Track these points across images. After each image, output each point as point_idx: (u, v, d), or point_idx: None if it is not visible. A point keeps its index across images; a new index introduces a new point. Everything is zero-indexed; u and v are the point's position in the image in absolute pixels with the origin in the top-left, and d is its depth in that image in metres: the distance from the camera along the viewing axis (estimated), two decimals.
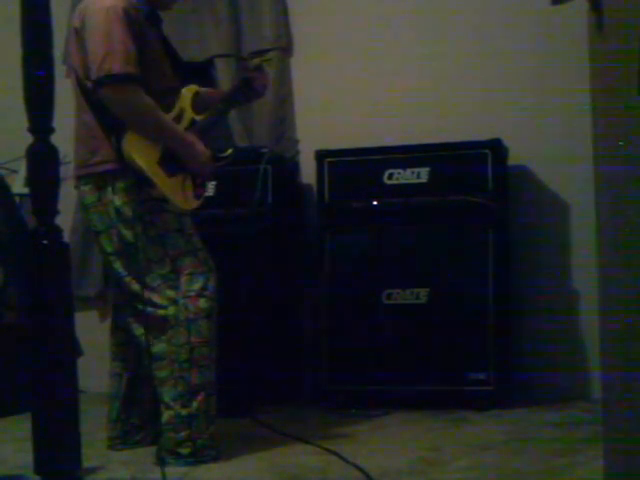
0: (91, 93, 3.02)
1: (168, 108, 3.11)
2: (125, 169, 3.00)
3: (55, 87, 2.42)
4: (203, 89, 3.31)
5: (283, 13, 4.56)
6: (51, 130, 2.44)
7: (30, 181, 2.50)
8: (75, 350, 2.57)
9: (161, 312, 3.04)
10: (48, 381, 2.41)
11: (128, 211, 3.03)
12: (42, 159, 2.46)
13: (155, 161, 3.02)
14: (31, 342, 2.41)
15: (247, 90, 3.31)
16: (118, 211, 3.03)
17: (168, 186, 3.04)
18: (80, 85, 3.07)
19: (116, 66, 2.91)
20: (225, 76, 4.57)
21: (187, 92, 3.20)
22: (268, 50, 4.53)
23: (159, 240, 3.05)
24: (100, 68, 2.93)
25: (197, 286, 3.06)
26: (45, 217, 2.45)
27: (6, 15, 3.53)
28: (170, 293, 3.05)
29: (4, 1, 3.87)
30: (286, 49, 4.58)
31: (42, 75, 2.41)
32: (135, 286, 3.05)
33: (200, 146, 3.12)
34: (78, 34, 3.05)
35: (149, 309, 3.03)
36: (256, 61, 3.43)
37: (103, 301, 4.75)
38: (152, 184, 3.01)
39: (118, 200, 3.03)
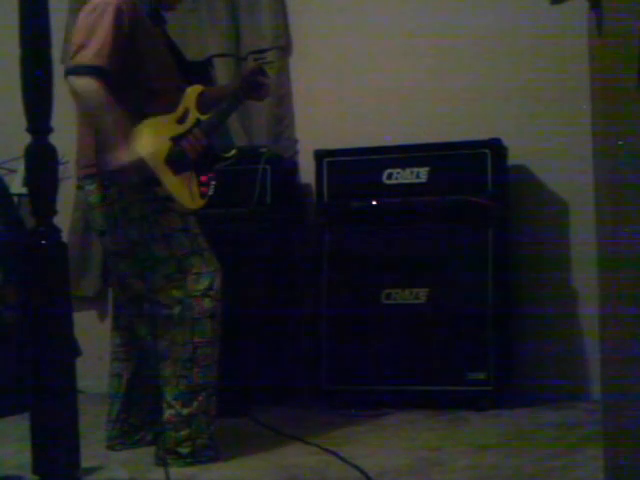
0: None
1: (173, 107, 3.12)
2: (131, 168, 3.00)
3: (54, 87, 2.42)
4: (207, 89, 3.31)
5: (282, 12, 4.56)
6: (50, 130, 2.43)
7: (29, 181, 2.49)
8: (74, 350, 2.57)
9: (165, 311, 3.04)
10: (47, 381, 2.40)
11: (133, 210, 3.03)
12: (41, 159, 2.45)
13: (162, 159, 3.02)
14: (30, 342, 2.40)
15: (251, 90, 3.33)
16: (123, 210, 3.03)
17: (175, 185, 3.04)
18: None
19: (86, 58, 2.93)
20: (224, 76, 4.57)
21: (192, 92, 3.20)
22: (267, 50, 4.52)
23: (164, 240, 3.05)
24: (73, 58, 2.97)
25: (202, 286, 3.06)
26: (43, 217, 2.44)
27: (5, 15, 3.52)
28: (175, 293, 3.05)
29: (3, 1, 3.87)
30: (285, 48, 4.58)
31: (40, 75, 2.40)
32: (140, 285, 3.05)
33: (127, 155, 2.95)
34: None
35: (154, 308, 3.03)
36: (259, 63, 3.44)
37: (102, 301, 4.74)
38: (159, 183, 3.01)
39: (123, 199, 3.03)
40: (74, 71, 2.95)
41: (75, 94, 2.97)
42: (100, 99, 2.94)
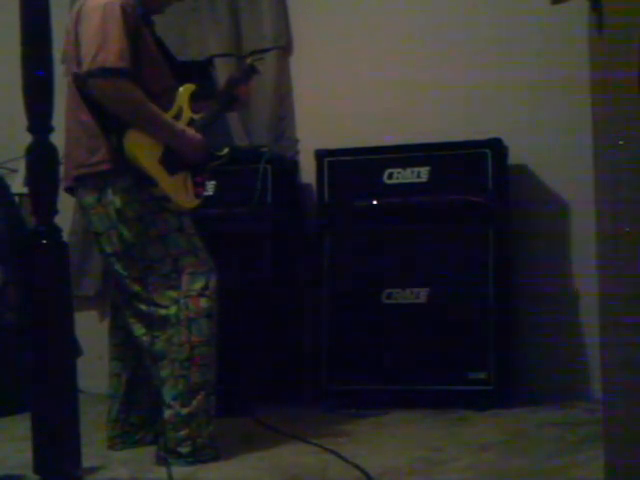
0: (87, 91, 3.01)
1: (166, 107, 3.11)
2: (125, 168, 3.00)
3: (55, 87, 2.42)
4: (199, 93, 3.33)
5: (283, 12, 4.56)
6: (50, 130, 2.44)
7: (30, 181, 2.50)
8: (75, 350, 2.57)
9: (162, 312, 3.04)
10: (48, 381, 2.41)
11: (129, 211, 3.03)
12: (41, 158, 2.46)
13: (157, 160, 3.03)
14: (31, 342, 2.41)
15: (232, 94, 3.36)
16: (119, 212, 3.03)
17: (170, 185, 3.05)
18: (78, 85, 3.07)
19: (109, 60, 2.92)
20: (225, 76, 4.56)
21: (184, 91, 3.20)
22: (268, 49, 4.53)
23: (160, 240, 3.05)
24: (93, 61, 2.93)
25: (198, 286, 3.06)
26: (44, 216, 2.45)
27: (5, 15, 3.53)
28: (171, 293, 3.05)
29: (4, 1, 3.87)
30: (286, 48, 4.58)
31: (41, 75, 2.41)
32: (136, 286, 3.05)
33: (191, 133, 3.13)
34: (75, 32, 3.05)
35: (150, 309, 3.04)
36: (248, 63, 3.46)
37: (103, 301, 4.74)
38: (154, 183, 3.01)
39: (119, 200, 3.02)
40: (100, 74, 2.92)
41: (108, 97, 2.95)
42: (138, 96, 2.96)
